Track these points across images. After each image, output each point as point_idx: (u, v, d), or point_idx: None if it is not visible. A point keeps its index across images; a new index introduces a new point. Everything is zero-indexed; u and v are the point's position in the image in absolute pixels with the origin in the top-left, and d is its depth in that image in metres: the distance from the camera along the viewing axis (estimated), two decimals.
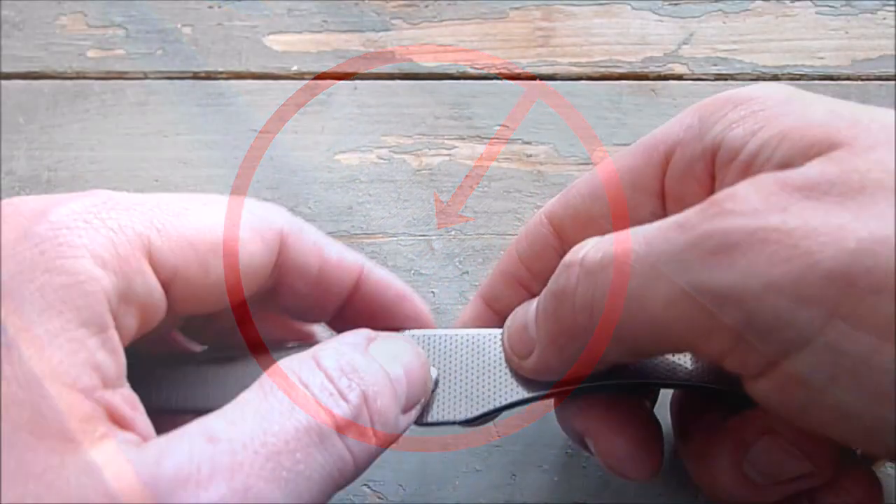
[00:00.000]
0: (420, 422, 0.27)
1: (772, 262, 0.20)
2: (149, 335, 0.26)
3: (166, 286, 0.24)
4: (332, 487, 0.23)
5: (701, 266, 0.21)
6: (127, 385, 0.23)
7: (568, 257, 0.25)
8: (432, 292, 0.37)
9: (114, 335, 0.23)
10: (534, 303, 0.27)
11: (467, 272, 0.38)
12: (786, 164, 0.22)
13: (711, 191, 0.25)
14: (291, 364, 0.24)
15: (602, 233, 0.28)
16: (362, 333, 0.26)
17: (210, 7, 0.45)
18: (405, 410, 0.26)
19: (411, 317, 0.29)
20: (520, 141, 0.41)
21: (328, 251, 0.28)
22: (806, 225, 0.20)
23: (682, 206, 0.26)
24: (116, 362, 0.23)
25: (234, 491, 0.20)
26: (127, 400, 0.22)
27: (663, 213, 0.27)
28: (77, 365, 0.21)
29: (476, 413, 0.27)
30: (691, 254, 0.21)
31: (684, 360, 0.27)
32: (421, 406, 0.27)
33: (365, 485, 0.33)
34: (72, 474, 0.20)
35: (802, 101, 0.24)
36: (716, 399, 0.27)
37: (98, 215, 0.23)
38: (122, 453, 0.21)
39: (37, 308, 0.21)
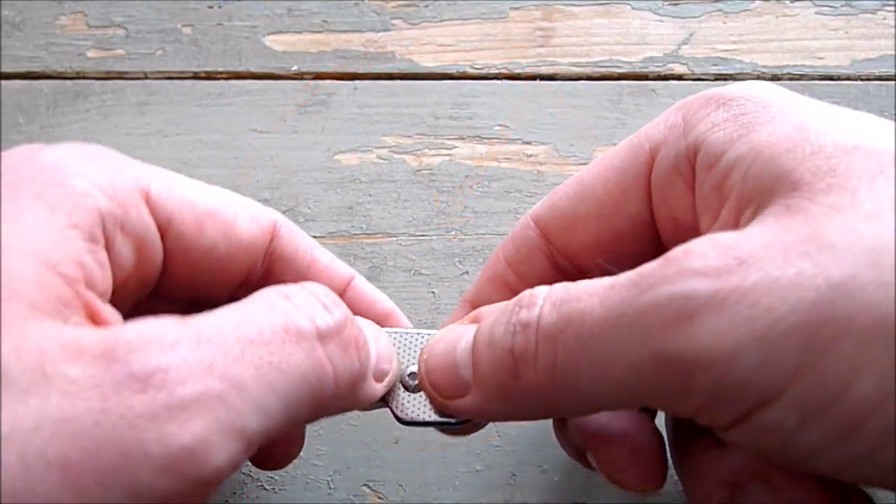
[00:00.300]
0: (404, 419, 0.27)
1: (735, 323, 0.20)
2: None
3: (162, 231, 0.25)
4: (309, 396, 0.22)
5: (664, 334, 0.21)
6: (112, 308, 0.23)
7: (523, 315, 0.24)
8: (432, 292, 0.37)
9: (103, 252, 0.23)
10: (462, 340, 0.26)
11: (467, 272, 0.38)
12: (755, 194, 0.23)
13: (694, 188, 0.26)
14: (278, 286, 0.24)
15: (589, 234, 0.28)
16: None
17: (210, 7, 0.45)
18: (376, 378, 0.26)
19: None
20: (520, 141, 0.41)
21: (319, 253, 0.30)
22: (766, 278, 0.20)
23: (667, 203, 0.26)
24: (104, 276, 0.23)
25: (199, 360, 0.20)
26: (111, 314, 0.22)
27: (649, 211, 0.27)
28: (61, 253, 0.22)
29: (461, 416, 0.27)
30: (652, 319, 0.21)
31: None
32: (389, 382, 0.27)
33: (365, 485, 0.33)
34: (31, 330, 0.20)
35: (780, 109, 0.24)
36: None
37: (101, 157, 0.25)
38: (91, 330, 0.21)
39: (30, 205, 0.22)
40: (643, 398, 0.22)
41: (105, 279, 0.23)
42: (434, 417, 0.27)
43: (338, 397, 0.23)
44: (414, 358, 0.28)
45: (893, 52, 0.42)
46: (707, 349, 0.20)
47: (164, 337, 0.20)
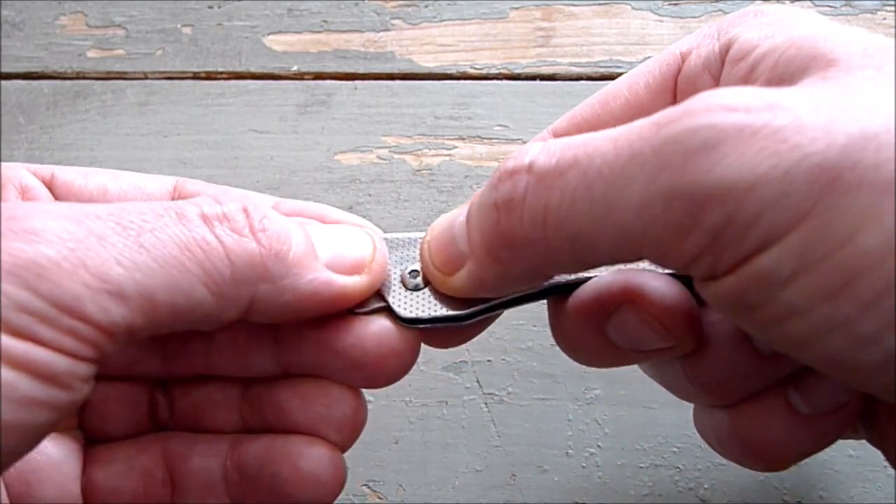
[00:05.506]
0: (406, 317, 0.27)
1: (761, 156, 0.19)
2: None
3: (48, 184, 0.27)
4: (197, 266, 0.22)
5: (684, 164, 0.20)
6: None
7: (509, 163, 0.24)
8: None
9: None
10: (461, 215, 0.26)
11: None
12: (786, 74, 0.23)
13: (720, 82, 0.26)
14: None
15: None
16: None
17: (210, 7, 0.45)
18: (336, 268, 0.25)
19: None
20: (520, 141, 0.41)
21: (233, 192, 0.29)
22: (797, 121, 0.20)
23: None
24: None
25: (52, 211, 0.21)
26: None
27: None
28: None
29: (468, 310, 0.26)
30: (670, 153, 0.20)
31: None
32: (372, 274, 0.26)
33: (365, 485, 0.33)
34: None
35: (816, 18, 0.25)
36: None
37: None
38: None
39: None
40: (643, 245, 0.22)
41: None
42: (435, 313, 0.27)
43: (233, 273, 0.23)
44: (415, 257, 0.28)
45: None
46: (726, 179, 0.20)
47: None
